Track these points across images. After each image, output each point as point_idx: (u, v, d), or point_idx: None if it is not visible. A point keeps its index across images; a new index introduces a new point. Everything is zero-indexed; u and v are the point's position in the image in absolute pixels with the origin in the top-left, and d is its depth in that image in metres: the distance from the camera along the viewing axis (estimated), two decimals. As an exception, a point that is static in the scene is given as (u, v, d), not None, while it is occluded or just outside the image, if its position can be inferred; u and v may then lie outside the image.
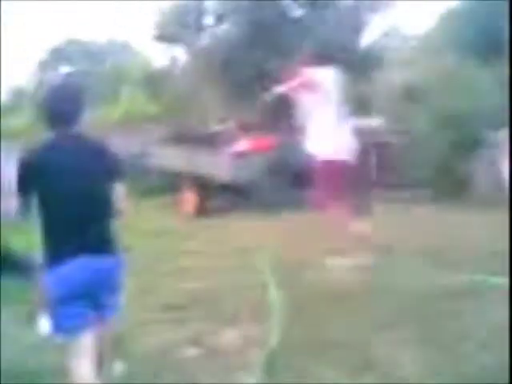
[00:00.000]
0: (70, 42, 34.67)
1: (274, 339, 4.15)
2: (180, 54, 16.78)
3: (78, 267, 2.86)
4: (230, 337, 4.40)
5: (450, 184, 10.18)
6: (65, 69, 34.27)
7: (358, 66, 13.33)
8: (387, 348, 3.89)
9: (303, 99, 6.43)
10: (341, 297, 4.99)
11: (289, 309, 4.74)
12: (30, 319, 5.00)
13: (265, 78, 12.89)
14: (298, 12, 14.36)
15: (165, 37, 15.94)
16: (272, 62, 12.56)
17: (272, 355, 3.90)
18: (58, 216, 2.88)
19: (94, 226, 2.92)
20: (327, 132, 6.21)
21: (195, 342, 4.33)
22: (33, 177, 2.87)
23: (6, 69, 39.12)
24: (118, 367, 3.58)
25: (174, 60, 17.05)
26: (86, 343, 2.93)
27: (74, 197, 2.87)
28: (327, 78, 6.37)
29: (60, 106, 2.95)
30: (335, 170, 6.05)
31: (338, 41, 13.00)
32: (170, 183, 11.80)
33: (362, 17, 14.26)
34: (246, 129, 11.37)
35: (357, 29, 14.26)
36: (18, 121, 18.27)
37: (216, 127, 12.64)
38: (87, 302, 2.93)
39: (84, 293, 2.91)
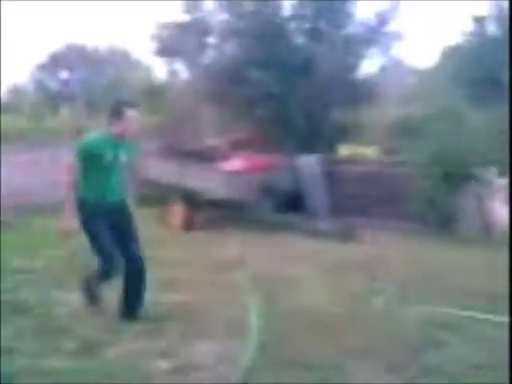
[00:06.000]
0: (70, 48, 34.33)
1: (247, 357, 4.05)
2: (180, 68, 16.80)
3: None
4: (203, 351, 4.29)
5: (437, 218, 10.13)
6: (64, 74, 34.18)
7: (357, 97, 13.45)
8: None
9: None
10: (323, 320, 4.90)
11: (267, 327, 4.65)
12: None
13: (263, 99, 12.99)
14: (300, 39, 14.42)
15: (165, 51, 15.94)
16: (272, 84, 12.69)
17: (245, 373, 3.80)
18: None
19: None
20: None
21: (167, 354, 4.22)
22: None
23: (5, 68, 38.91)
24: None
25: (173, 74, 17.08)
26: None
27: None
28: None
29: None
30: None
31: (336, 71, 13.13)
32: (159, 195, 11.71)
33: (362, 49, 14.31)
34: (237, 146, 11.32)
35: (356, 59, 14.32)
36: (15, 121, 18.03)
37: (208, 143, 12.60)
38: None
39: None
